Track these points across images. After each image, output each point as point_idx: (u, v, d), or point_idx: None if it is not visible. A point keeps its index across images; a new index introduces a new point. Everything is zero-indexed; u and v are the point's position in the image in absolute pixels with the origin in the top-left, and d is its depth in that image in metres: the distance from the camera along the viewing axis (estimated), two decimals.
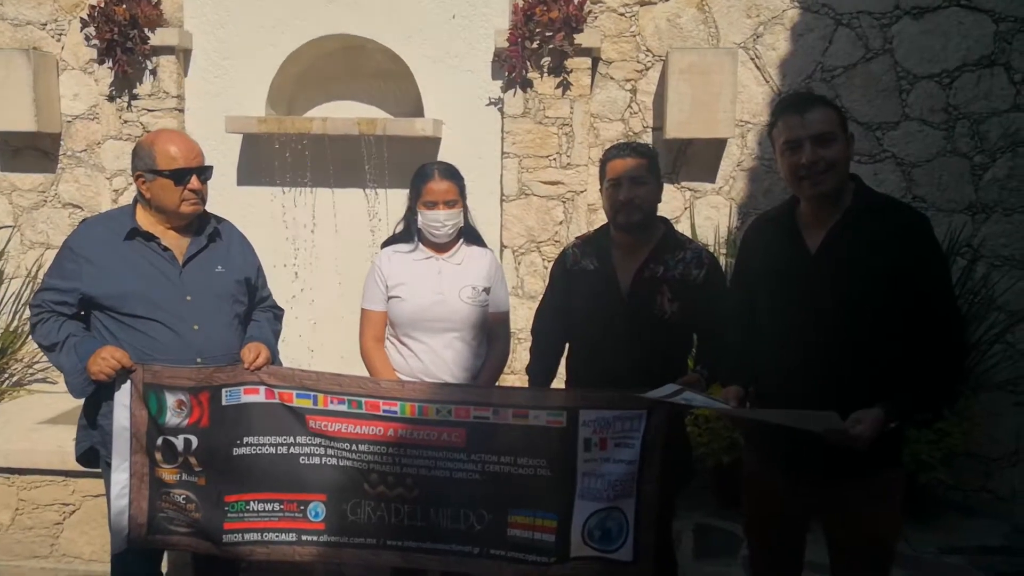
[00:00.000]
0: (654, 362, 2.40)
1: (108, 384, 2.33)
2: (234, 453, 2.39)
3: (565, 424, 2.29)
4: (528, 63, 4.03)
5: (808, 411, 1.95)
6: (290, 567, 2.55)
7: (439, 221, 2.68)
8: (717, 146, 4.31)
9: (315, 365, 2.97)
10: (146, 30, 4.17)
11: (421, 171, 2.74)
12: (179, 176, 2.39)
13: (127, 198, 4.20)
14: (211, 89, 4.33)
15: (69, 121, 4.69)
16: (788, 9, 4.23)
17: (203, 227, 2.55)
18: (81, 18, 4.26)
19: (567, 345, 2.71)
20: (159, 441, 2.37)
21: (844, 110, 3.96)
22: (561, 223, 4.14)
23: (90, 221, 2.55)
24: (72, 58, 4.64)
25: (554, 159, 4.11)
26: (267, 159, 4.29)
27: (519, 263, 4.19)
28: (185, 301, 2.43)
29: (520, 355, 3.94)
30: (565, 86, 4.07)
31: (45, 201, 4.75)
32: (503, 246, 4.18)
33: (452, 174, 2.72)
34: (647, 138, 4.32)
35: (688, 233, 3.96)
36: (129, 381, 2.34)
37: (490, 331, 2.79)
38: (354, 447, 2.38)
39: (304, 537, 2.41)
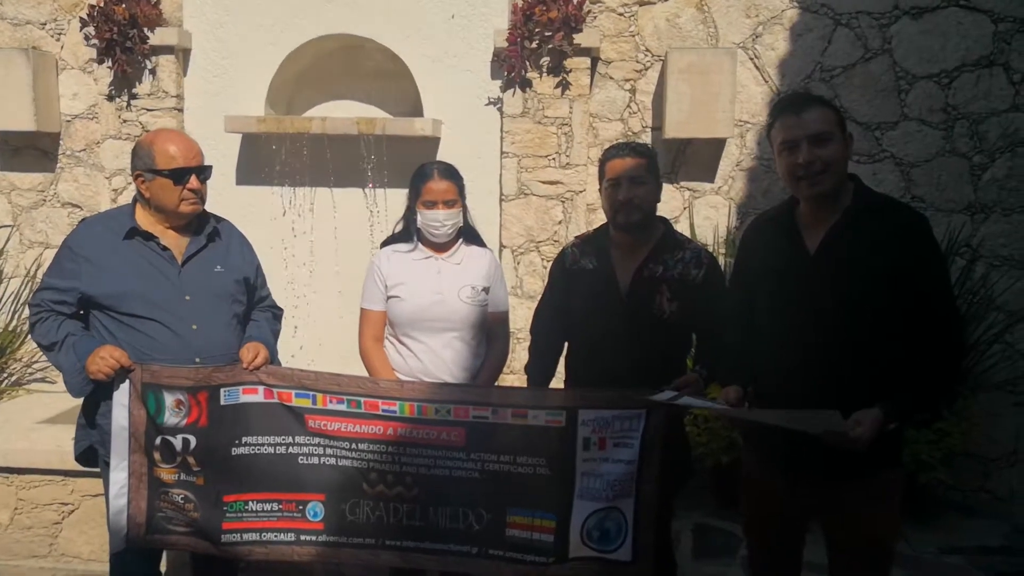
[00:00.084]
0: (653, 362, 2.40)
1: (107, 383, 2.33)
2: (233, 453, 2.39)
3: (564, 424, 2.29)
4: (527, 63, 4.03)
5: (809, 411, 1.95)
6: (289, 567, 2.55)
7: (438, 221, 2.68)
8: (716, 146, 4.31)
9: (314, 365, 2.97)
10: (145, 30, 4.17)
11: (420, 171, 2.74)
12: (178, 175, 2.39)
13: (126, 198, 4.20)
14: (210, 89, 4.33)
15: (68, 120, 4.69)
16: (787, 9, 4.23)
17: (202, 227, 2.55)
18: (80, 18, 4.26)
19: (566, 345, 2.71)
20: (158, 441, 2.37)
21: (843, 110, 4.00)
22: (560, 223, 4.14)
23: (89, 220, 2.55)
24: (71, 57, 4.64)
25: (553, 159, 4.12)
26: (266, 159, 4.29)
27: (518, 263, 4.19)
28: (184, 301, 2.43)
29: (519, 355, 3.94)
30: (564, 86, 4.07)
31: (44, 200, 4.75)
32: (502, 246, 4.18)
33: (451, 174, 2.72)
34: (646, 138, 4.32)
35: (687, 233, 3.96)
36: (128, 381, 2.34)
37: (489, 331, 2.79)
38: (353, 446, 2.38)
39: (303, 537, 2.41)
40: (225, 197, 4.11)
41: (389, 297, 2.71)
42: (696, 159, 4.34)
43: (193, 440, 2.38)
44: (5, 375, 4.57)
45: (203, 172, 2.46)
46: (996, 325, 4.09)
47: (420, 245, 2.75)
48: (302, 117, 4.32)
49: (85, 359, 2.30)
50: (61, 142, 4.70)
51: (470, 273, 2.74)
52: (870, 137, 4.23)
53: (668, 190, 4.23)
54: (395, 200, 4.05)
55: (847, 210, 2.07)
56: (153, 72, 4.26)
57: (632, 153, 2.46)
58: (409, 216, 2.77)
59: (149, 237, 2.44)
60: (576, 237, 2.74)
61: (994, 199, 4.19)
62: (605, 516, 2.28)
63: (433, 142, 4.19)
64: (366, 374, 2.69)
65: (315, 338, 4.38)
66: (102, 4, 4.14)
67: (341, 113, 4.34)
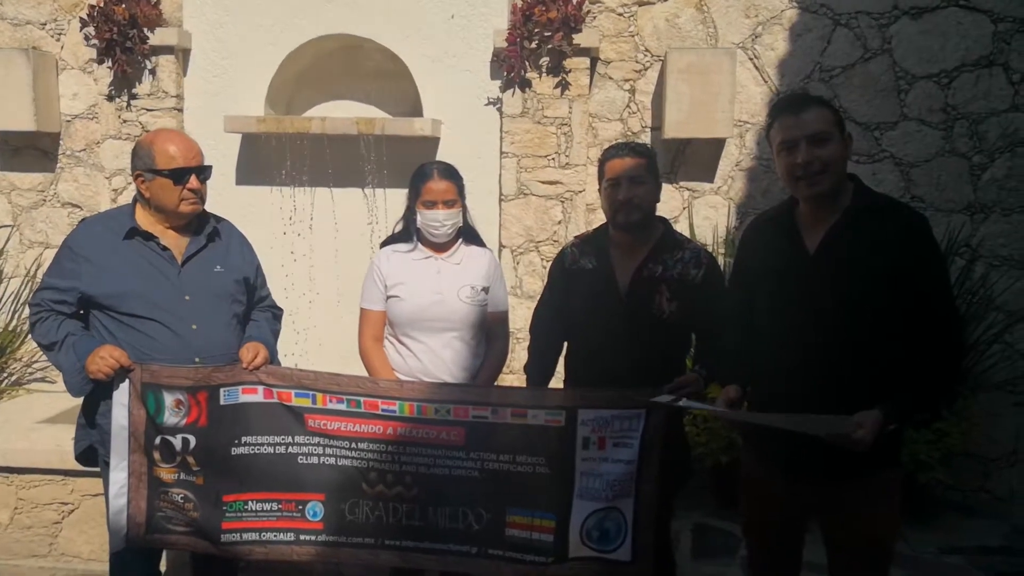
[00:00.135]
0: (652, 362, 2.40)
1: (107, 383, 2.33)
2: (232, 453, 2.39)
3: (564, 423, 2.29)
4: (527, 63, 4.03)
5: (813, 415, 1.95)
6: (288, 567, 2.55)
7: (438, 221, 2.68)
8: (715, 146, 4.31)
9: (314, 365, 2.97)
10: (145, 30, 4.18)
11: (420, 171, 2.75)
12: (178, 175, 2.39)
13: (126, 197, 4.20)
14: (210, 89, 4.33)
15: (68, 121, 4.69)
16: (786, 9, 4.23)
17: (202, 227, 2.55)
18: (80, 18, 4.26)
19: (565, 344, 2.71)
20: (157, 440, 2.37)
21: (842, 110, 4.00)
22: (560, 223, 4.14)
23: (89, 220, 2.55)
24: (71, 58, 4.65)
25: (553, 159, 4.12)
26: (266, 159, 4.29)
27: (518, 263, 4.19)
28: (184, 301, 2.43)
29: (519, 355, 3.94)
30: (564, 86, 4.07)
31: (44, 200, 4.76)
32: (502, 246, 4.18)
33: (451, 174, 2.73)
34: (645, 138, 4.33)
35: (686, 233, 3.96)
36: (127, 380, 2.34)
37: (489, 331, 2.79)
38: (353, 446, 2.39)
39: (302, 537, 2.41)
40: (225, 197, 4.11)
41: (389, 297, 2.71)
42: (695, 159, 4.35)
43: (193, 440, 2.38)
44: (5, 375, 4.57)
45: (203, 172, 2.46)
46: (996, 325, 4.09)
47: (420, 245, 2.75)
48: (302, 117, 4.32)
49: (85, 359, 2.30)
50: (61, 142, 4.71)
51: (470, 273, 2.74)
52: (869, 137, 4.23)
53: (667, 190, 4.23)
54: (395, 200, 4.05)
55: (847, 210, 2.07)
56: (153, 72, 4.27)
57: (632, 153, 2.46)
58: (409, 216, 2.77)
59: (149, 237, 2.44)
60: (575, 237, 2.75)
61: (993, 199, 4.19)
62: (605, 516, 2.28)
63: (433, 142, 4.19)
64: (366, 374, 2.69)
65: (315, 338, 4.38)
66: (102, 4, 4.15)
67: (341, 113, 4.34)
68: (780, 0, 4.23)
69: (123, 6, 4.13)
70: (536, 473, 2.32)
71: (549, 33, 3.96)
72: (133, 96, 4.29)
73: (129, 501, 2.39)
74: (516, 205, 4.16)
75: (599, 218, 3.82)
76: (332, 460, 2.40)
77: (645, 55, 4.33)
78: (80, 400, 2.48)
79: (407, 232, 2.78)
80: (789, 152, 2.05)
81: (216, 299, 2.50)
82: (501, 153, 4.15)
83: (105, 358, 2.28)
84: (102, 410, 2.41)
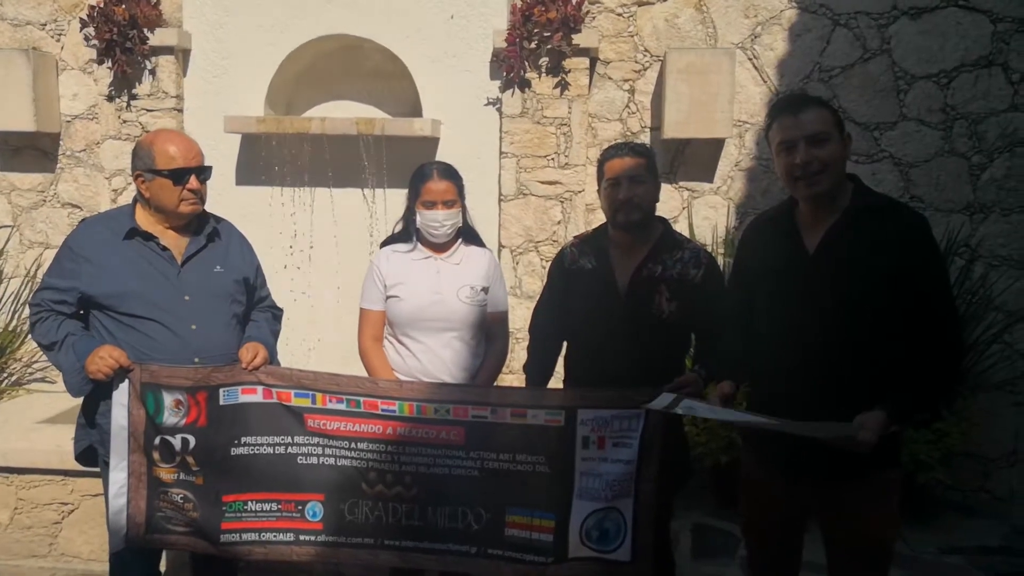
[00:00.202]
0: (652, 362, 2.40)
1: (106, 383, 2.33)
2: (232, 453, 2.39)
3: (563, 423, 2.29)
4: (526, 63, 4.03)
5: (816, 423, 1.95)
6: (288, 567, 2.55)
7: (437, 221, 2.68)
8: (715, 146, 4.31)
9: (314, 365, 2.97)
10: (145, 30, 4.18)
11: (420, 171, 2.75)
12: (178, 176, 2.39)
13: (126, 198, 4.20)
14: (210, 89, 4.33)
15: (68, 121, 4.69)
16: (786, 9, 4.23)
17: (202, 227, 2.55)
18: (80, 18, 4.27)
19: (565, 344, 2.71)
20: (157, 440, 2.37)
21: (841, 110, 4.01)
22: (559, 223, 4.15)
23: (89, 221, 2.55)
24: (71, 58, 4.65)
25: (552, 159, 4.12)
26: (266, 159, 4.29)
27: (517, 263, 4.19)
28: (183, 301, 2.43)
29: (518, 355, 3.95)
30: (563, 86, 4.07)
31: (44, 201, 4.76)
32: (501, 246, 4.19)
33: (451, 174, 2.73)
34: (645, 138, 4.33)
35: (686, 233, 3.96)
36: (127, 380, 2.34)
37: (488, 331, 2.79)
38: (352, 446, 2.39)
39: (302, 537, 2.41)
40: (225, 197, 4.11)
41: (388, 297, 2.71)
42: (695, 159, 4.35)
43: (192, 440, 2.38)
44: (5, 375, 4.57)
45: (203, 172, 2.46)
46: (995, 325, 4.09)
47: (419, 245, 2.75)
48: (301, 117, 4.32)
49: (84, 359, 2.30)
50: (61, 142, 4.71)
51: (469, 273, 2.74)
52: (869, 137, 4.23)
53: (667, 190, 4.23)
54: (394, 200, 4.06)
55: (846, 210, 2.07)
56: (153, 73, 4.27)
57: (631, 153, 2.46)
58: (408, 216, 2.77)
59: (149, 237, 2.44)
60: (575, 237, 2.75)
61: (993, 199, 4.19)
62: (604, 516, 2.28)
63: (432, 142, 4.19)
64: (365, 374, 2.69)
65: (314, 338, 4.38)
66: (102, 5, 4.15)
67: (340, 113, 4.35)
68: (779, 0, 4.23)
69: (123, 7, 4.13)
70: (536, 473, 2.32)
71: (548, 33, 3.96)
72: (133, 96, 4.30)
73: (129, 501, 2.39)
74: (515, 205, 4.16)
75: (598, 218, 3.82)
76: (332, 460, 2.40)
77: (644, 55, 4.33)
78: (80, 400, 2.48)
79: (407, 232, 2.78)
80: (788, 152, 2.05)
81: (216, 299, 2.50)
82: (500, 153, 4.15)
83: (104, 358, 2.29)
84: (102, 410, 2.41)
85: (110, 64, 4.21)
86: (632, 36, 4.33)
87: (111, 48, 4.17)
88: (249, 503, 2.40)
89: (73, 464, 2.64)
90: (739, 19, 4.27)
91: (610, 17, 4.32)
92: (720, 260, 3.87)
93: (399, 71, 4.25)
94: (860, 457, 1.96)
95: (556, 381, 2.73)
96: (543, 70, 4.06)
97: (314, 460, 2.40)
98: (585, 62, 4.08)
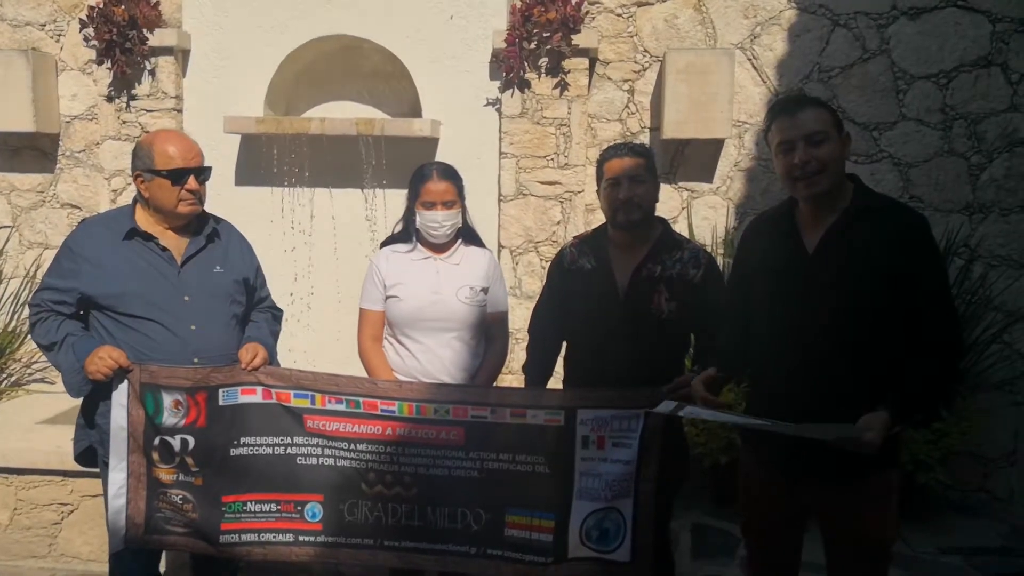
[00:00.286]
0: (651, 361, 2.40)
1: (106, 384, 2.33)
2: (231, 453, 2.39)
3: (563, 423, 2.30)
4: (526, 64, 4.03)
5: (820, 425, 1.95)
6: (288, 567, 2.55)
7: (437, 222, 2.68)
8: (714, 146, 4.31)
9: (313, 365, 2.97)
10: (145, 31, 4.18)
11: (419, 171, 2.75)
12: (176, 176, 2.39)
13: (126, 198, 4.21)
14: (209, 89, 4.33)
15: (68, 121, 4.69)
16: (785, 10, 4.23)
17: (202, 227, 2.55)
18: (80, 19, 4.27)
19: (564, 344, 2.71)
20: (156, 441, 2.37)
21: (841, 111, 4.01)
22: (559, 223, 4.15)
23: (89, 221, 2.55)
24: (71, 59, 4.65)
25: (552, 159, 4.12)
26: (265, 159, 4.29)
27: (517, 263, 4.19)
28: (183, 301, 2.43)
29: (518, 355, 3.94)
30: (563, 86, 4.08)
31: (44, 201, 4.76)
32: (501, 246, 4.19)
33: (450, 174, 2.73)
34: (644, 138, 4.33)
35: (685, 233, 3.96)
36: (126, 381, 2.34)
37: (488, 331, 2.79)
38: (352, 446, 2.39)
39: (301, 538, 2.41)
40: (224, 198, 4.11)
41: (388, 297, 2.71)
42: (694, 159, 4.35)
43: (192, 440, 2.38)
44: (4, 375, 4.57)
45: (202, 173, 2.46)
46: (994, 325, 4.09)
47: (419, 245, 2.75)
48: (301, 118, 4.32)
49: (84, 359, 2.30)
50: (60, 143, 4.71)
51: (469, 273, 2.74)
52: (868, 137, 4.23)
53: (666, 190, 4.23)
54: (394, 201, 4.06)
55: (846, 210, 2.07)
56: (152, 73, 4.27)
57: (630, 153, 2.46)
58: (408, 217, 2.77)
59: (149, 238, 2.44)
60: (575, 237, 2.75)
61: (992, 199, 4.19)
62: (604, 516, 2.29)
63: (432, 143, 4.19)
64: (365, 374, 2.69)
65: (314, 338, 4.38)
66: (101, 5, 4.15)
67: (340, 114, 4.35)
68: (779, 1, 4.24)
69: (122, 7, 4.13)
70: (535, 473, 2.33)
71: (548, 34, 3.97)
72: (132, 97, 4.30)
73: (128, 502, 2.39)
74: (515, 205, 4.16)
75: (598, 218, 3.82)
76: (331, 461, 2.40)
77: (644, 56, 4.34)
78: (79, 401, 2.48)
79: (406, 232, 2.78)
80: (787, 153, 2.05)
81: (215, 300, 2.50)
82: (500, 154, 4.16)
83: (104, 358, 2.29)
84: (101, 410, 2.41)
85: (109, 64, 4.21)
86: (631, 36, 4.33)
87: (111, 48, 4.17)
88: (248, 504, 2.41)
89: (72, 465, 2.64)
90: (738, 19, 4.27)
91: (609, 17, 4.32)
92: (720, 260, 3.87)
93: (399, 71, 4.26)
94: (860, 458, 1.96)
95: (556, 381, 2.73)
96: (543, 70, 4.06)
97: (313, 461, 2.41)
98: (584, 62, 4.08)
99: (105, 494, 2.44)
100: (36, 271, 4.62)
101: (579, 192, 4.13)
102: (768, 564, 2.37)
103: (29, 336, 2.84)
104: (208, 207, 2.59)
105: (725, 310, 2.36)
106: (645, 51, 4.33)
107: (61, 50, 4.66)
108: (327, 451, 2.40)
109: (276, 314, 2.77)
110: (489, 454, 2.34)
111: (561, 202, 4.14)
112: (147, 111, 4.29)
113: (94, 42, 4.20)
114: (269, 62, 4.25)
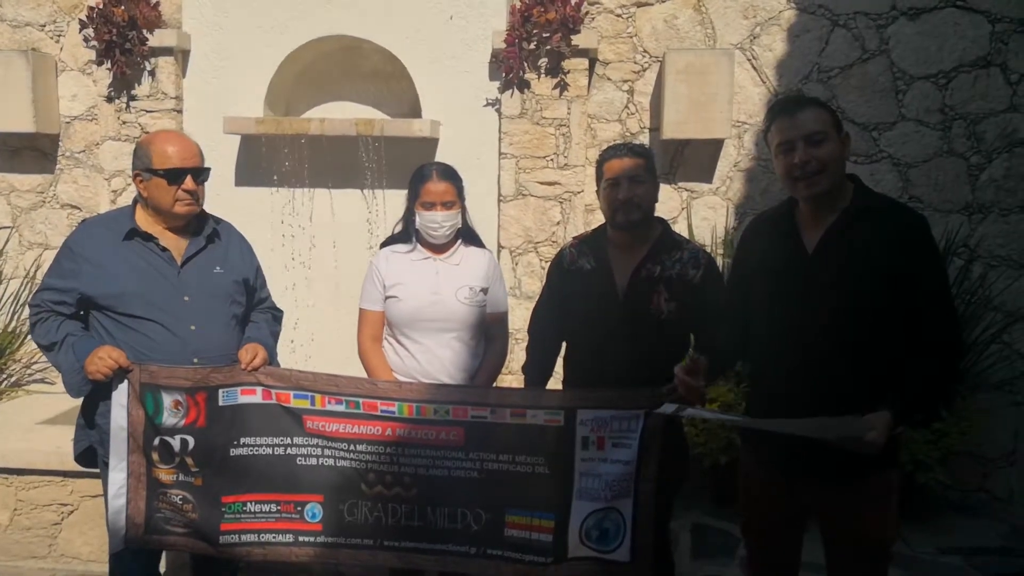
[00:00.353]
0: (651, 362, 2.39)
1: (106, 384, 2.33)
2: (231, 454, 2.39)
3: (563, 423, 2.30)
4: (525, 64, 4.03)
5: (821, 419, 1.95)
6: (287, 568, 2.55)
7: (436, 222, 2.68)
8: (714, 146, 4.32)
9: (313, 366, 2.97)
10: (144, 31, 4.18)
11: (419, 172, 2.75)
12: (173, 176, 2.39)
13: (126, 199, 4.21)
14: (209, 90, 4.33)
15: (68, 122, 4.69)
16: (785, 10, 4.24)
17: (202, 228, 2.55)
18: (80, 19, 4.27)
19: (564, 344, 2.71)
20: (156, 441, 2.37)
21: (840, 111, 4.01)
22: (558, 223, 4.15)
23: (89, 221, 2.55)
24: (71, 59, 4.65)
25: (551, 160, 4.12)
26: (265, 160, 4.29)
27: (516, 263, 4.20)
28: (183, 301, 2.43)
29: (518, 355, 3.94)
30: (562, 87, 4.08)
31: (43, 202, 4.76)
32: (500, 246, 4.19)
33: (450, 175, 2.73)
34: (644, 139, 4.33)
35: (685, 233, 3.97)
36: (126, 381, 2.34)
37: (487, 331, 2.79)
38: (352, 447, 2.39)
39: (301, 538, 2.41)
40: (224, 198, 4.11)
41: (387, 297, 2.72)
42: (694, 160, 4.35)
43: (191, 441, 2.38)
44: (4, 376, 4.57)
45: (200, 174, 2.46)
46: (994, 325, 4.09)
47: (419, 246, 2.75)
48: (301, 118, 4.32)
49: (84, 359, 2.30)
50: (60, 143, 4.71)
51: (468, 274, 2.74)
52: (868, 138, 4.23)
53: (666, 191, 4.23)
54: (394, 201, 4.06)
55: (846, 210, 2.07)
56: (152, 74, 4.27)
57: (630, 153, 2.46)
58: (408, 217, 2.77)
59: (149, 238, 2.44)
60: (574, 237, 2.75)
61: (991, 199, 4.20)
62: (604, 516, 2.28)
63: (431, 143, 4.19)
64: (365, 375, 2.69)
65: (314, 339, 4.38)
66: (101, 6, 4.15)
67: (340, 114, 4.35)
68: (778, 1, 4.24)
69: (122, 7, 4.13)
70: (535, 473, 2.32)
71: (548, 34, 3.97)
72: (132, 97, 4.30)
73: (128, 502, 2.39)
74: (515, 206, 4.16)
75: (598, 219, 3.82)
76: (331, 461, 2.40)
77: (643, 56, 4.34)
78: (79, 401, 2.48)
79: (406, 233, 2.78)
80: (787, 153, 2.06)
81: (215, 300, 2.50)
82: (500, 154, 4.16)
83: (104, 359, 2.29)
84: (101, 411, 2.41)
85: (109, 65, 4.22)
86: (631, 37, 4.33)
87: (110, 49, 4.18)
88: (248, 504, 2.41)
89: (72, 465, 2.64)
90: (738, 20, 4.27)
91: (609, 18, 4.32)
92: (719, 260, 3.88)
93: (398, 72, 4.26)
94: (860, 458, 1.96)
95: (555, 381, 2.73)
96: (542, 71, 4.06)
97: (313, 461, 2.41)
98: (584, 63, 4.08)
99: (105, 494, 2.44)
100: (36, 271, 4.62)
101: (579, 192, 4.13)
102: (768, 564, 2.37)
103: (29, 336, 2.83)
104: (208, 207, 2.59)
105: (725, 310, 2.36)
106: (645, 51, 4.33)
107: (61, 50, 4.66)
108: (327, 452, 2.40)
109: (276, 315, 2.77)
110: (489, 454, 2.34)
111: (561, 202, 4.14)
112: (147, 112, 4.29)
113: (94, 42, 4.21)
114: (269, 62, 4.25)
